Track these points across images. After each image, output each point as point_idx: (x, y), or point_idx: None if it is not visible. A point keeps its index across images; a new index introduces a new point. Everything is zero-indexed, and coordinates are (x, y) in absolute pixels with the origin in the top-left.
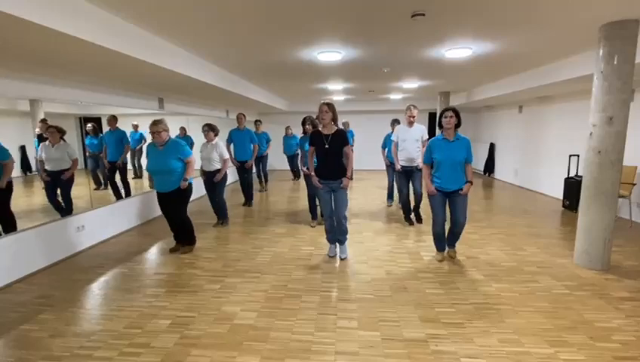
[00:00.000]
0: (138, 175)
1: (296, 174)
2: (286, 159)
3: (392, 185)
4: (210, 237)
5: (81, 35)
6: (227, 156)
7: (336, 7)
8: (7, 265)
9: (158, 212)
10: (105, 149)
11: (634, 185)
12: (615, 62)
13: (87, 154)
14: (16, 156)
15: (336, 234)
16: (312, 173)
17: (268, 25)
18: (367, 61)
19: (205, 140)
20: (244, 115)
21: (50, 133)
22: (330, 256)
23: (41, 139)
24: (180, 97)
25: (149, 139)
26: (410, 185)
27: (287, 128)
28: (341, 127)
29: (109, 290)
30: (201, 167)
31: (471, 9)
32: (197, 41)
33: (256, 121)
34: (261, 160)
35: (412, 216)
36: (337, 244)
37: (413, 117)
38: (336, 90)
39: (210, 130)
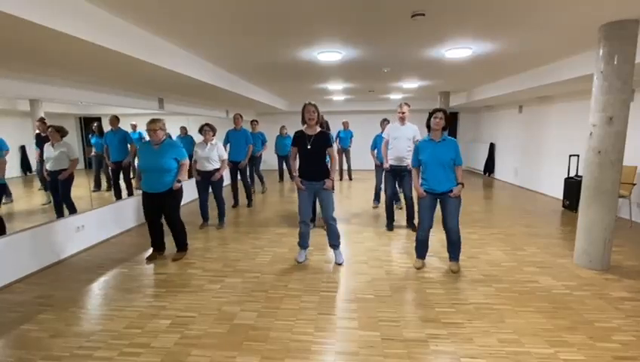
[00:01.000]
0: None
1: (282, 176)
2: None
3: (380, 186)
4: (210, 238)
5: (81, 35)
6: (226, 157)
7: (337, 7)
8: (7, 264)
9: None
10: (106, 149)
11: (634, 185)
12: (615, 62)
13: (91, 153)
14: (16, 156)
15: (329, 238)
16: (295, 174)
17: (268, 25)
18: (368, 61)
19: (203, 139)
20: (241, 116)
21: (50, 132)
22: (299, 261)
23: (39, 138)
24: (180, 97)
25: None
26: (400, 189)
27: (282, 128)
28: (341, 127)
29: (109, 290)
30: (196, 166)
31: (471, 9)
32: (197, 41)
33: (252, 120)
34: (254, 161)
35: (394, 223)
36: (332, 249)
37: (403, 113)
38: (336, 90)
39: (210, 130)
